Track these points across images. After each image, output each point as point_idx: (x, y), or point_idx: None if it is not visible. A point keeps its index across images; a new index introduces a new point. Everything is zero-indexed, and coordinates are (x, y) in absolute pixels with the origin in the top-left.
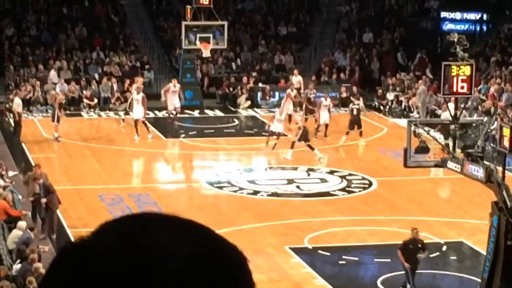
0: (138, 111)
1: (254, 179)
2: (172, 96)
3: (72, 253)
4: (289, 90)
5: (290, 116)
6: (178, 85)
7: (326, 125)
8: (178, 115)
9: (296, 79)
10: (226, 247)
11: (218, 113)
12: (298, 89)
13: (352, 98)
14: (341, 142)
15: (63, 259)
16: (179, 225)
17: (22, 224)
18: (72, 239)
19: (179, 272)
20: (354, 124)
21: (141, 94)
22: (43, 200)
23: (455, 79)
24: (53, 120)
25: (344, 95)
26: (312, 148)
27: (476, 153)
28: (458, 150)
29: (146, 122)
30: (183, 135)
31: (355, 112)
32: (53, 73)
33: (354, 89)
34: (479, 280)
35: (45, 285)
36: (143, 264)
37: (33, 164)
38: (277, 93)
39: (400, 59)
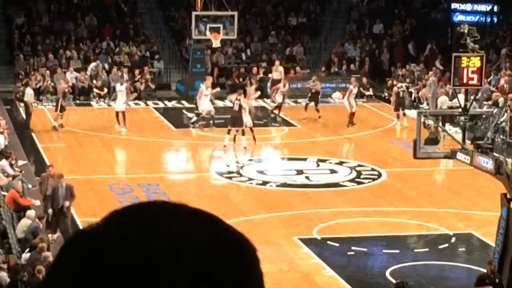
0: (120, 103)
1: (263, 169)
2: (204, 99)
3: (82, 240)
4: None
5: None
6: (210, 89)
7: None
8: (212, 121)
9: (278, 69)
10: (236, 236)
11: (228, 103)
12: (278, 81)
13: (395, 82)
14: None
15: (72, 247)
16: (189, 214)
17: (30, 213)
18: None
19: (190, 262)
20: (399, 106)
21: (125, 85)
22: (67, 203)
23: (465, 70)
24: (56, 110)
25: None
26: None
27: (486, 145)
28: (467, 142)
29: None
30: (192, 125)
31: (401, 94)
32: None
33: (364, 80)
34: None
35: (53, 273)
36: (154, 253)
37: (47, 163)
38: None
39: (411, 50)
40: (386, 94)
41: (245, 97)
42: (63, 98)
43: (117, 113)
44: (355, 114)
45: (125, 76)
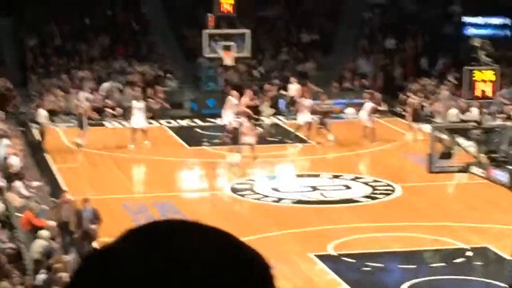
0: (139, 119)
1: (277, 186)
2: (230, 110)
3: (96, 260)
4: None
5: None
6: (237, 99)
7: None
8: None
9: (293, 87)
10: (250, 253)
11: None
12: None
13: (408, 94)
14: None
15: (87, 266)
16: (202, 232)
17: (43, 233)
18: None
19: (202, 279)
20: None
21: (141, 102)
22: (93, 227)
23: (477, 84)
24: (81, 128)
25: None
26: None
27: (500, 158)
28: (482, 155)
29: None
30: (206, 143)
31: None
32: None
33: (377, 95)
34: (507, 286)
35: None
36: (166, 270)
37: (61, 184)
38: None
39: (424, 65)
40: (400, 108)
41: (248, 116)
42: (85, 115)
43: (134, 130)
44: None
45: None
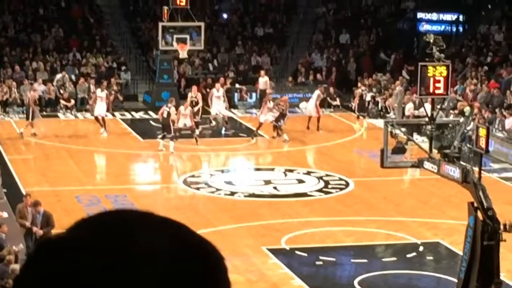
0: (101, 108)
1: (231, 180)
2: (216, 101)
3: (48, 249)
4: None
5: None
6: (222, 89)
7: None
8: (226, 126)
9: (263, 80)
10: (203, 243)
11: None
12: (264, 90)
13: (359, 85)
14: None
15: (38, 256)
16: (155, 222)
17: None
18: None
19: (156, 268)
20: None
21: (105, 91)
22: (40, 232)
23: (431, 79)
24: (27, 118)
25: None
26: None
27: (453, 154)
28: (434, 151)
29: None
30: (159, 136)
31: (363, 97)
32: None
33: (331, 90)
34: (456, 281)
35: (19, 281)
36: (119, 261)
37: (23, 192)
38: (254, 94)
39: (377, 60)
40: (353, 104)
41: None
42: (34, 105)
43: (96, 117)
44: (321, 121)
45: (92, 88)
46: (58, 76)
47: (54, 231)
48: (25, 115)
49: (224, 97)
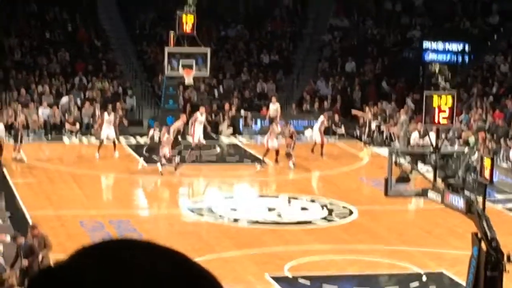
0: (109, 131)
1: (235, 206)
2: (198, 126)
3: (50, 276)
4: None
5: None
6: (205, 115)
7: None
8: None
9: (273, 106)
10: (202, 271)
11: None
12: (275, 118)
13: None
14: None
15: (40, 283)
16: (155, 250)
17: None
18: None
19: None
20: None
21: (112, 114)
22: (24, 263)
23: (436, 109)
24: (16, 141)
25: (326, 124)
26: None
27: (457, 184)
28: (438, 180)
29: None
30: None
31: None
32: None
33: (336, 117)
34: None
35: None
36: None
37: (27, 216)
38: (259, 121)
39: (384, 88)
40: (358, 132)
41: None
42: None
43: (102, 141)
44: (326, 148)
45: (97, 112)
46: (64, 100)
47: (57, 254)
48: (32, 140)
49: (206, 123)
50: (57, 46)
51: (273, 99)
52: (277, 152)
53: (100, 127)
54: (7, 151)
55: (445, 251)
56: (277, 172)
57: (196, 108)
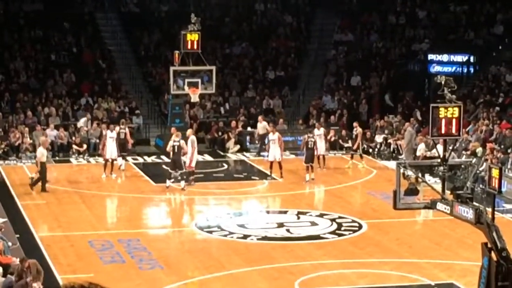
0: (113, 150)
1: (243, 223)
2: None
3: None
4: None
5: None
6: (114, 132)
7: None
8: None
9: (260, 125)
10: None
11: (207, 157)
12: (263, 135)
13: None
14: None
15: None
16: None
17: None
18: (61, 284)
19: None
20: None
21: (115, 131)
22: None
23: (443, 121)
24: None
25: (333, 138)
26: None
27: (466, 195)
28: (447, 192)
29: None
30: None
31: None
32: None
33: (343, 132)
34: None
35: None
36: None
37: (36, 237)
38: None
39: (389, 102)
40: (365, 145)
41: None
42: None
43: (106, 161)
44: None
45: (104, 132)
46: (82, 120)
47: (68, 276)
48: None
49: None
50: (63, 68)
51: (260, 118)
52: (280, 166)
53: (104, 148)
54: (15, 173)
55: (455, 262)
56: (285, 187)
57: (204, 127)
